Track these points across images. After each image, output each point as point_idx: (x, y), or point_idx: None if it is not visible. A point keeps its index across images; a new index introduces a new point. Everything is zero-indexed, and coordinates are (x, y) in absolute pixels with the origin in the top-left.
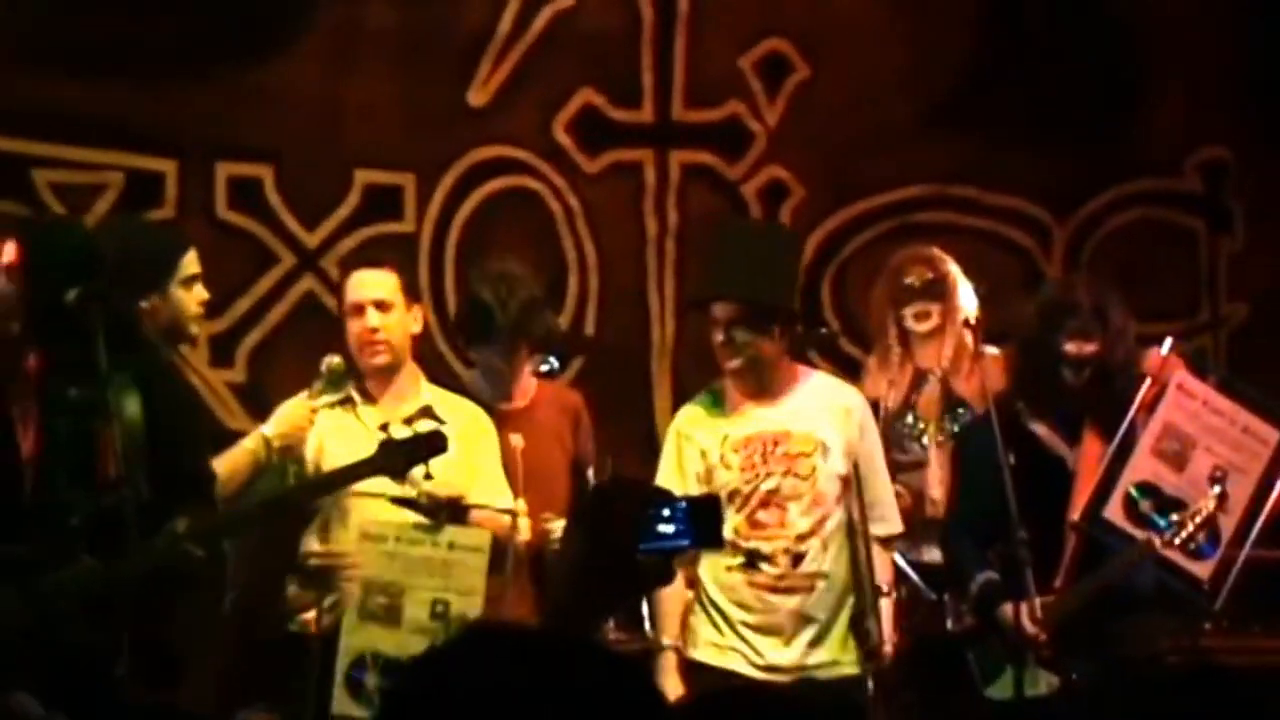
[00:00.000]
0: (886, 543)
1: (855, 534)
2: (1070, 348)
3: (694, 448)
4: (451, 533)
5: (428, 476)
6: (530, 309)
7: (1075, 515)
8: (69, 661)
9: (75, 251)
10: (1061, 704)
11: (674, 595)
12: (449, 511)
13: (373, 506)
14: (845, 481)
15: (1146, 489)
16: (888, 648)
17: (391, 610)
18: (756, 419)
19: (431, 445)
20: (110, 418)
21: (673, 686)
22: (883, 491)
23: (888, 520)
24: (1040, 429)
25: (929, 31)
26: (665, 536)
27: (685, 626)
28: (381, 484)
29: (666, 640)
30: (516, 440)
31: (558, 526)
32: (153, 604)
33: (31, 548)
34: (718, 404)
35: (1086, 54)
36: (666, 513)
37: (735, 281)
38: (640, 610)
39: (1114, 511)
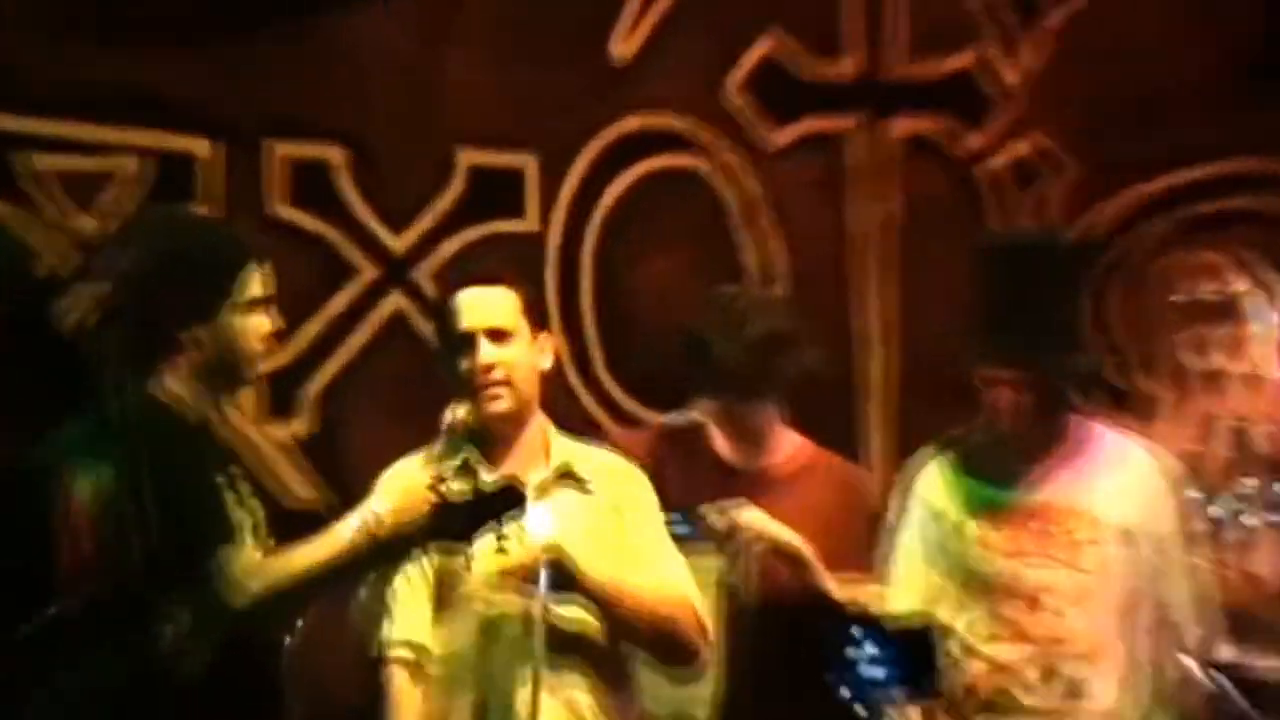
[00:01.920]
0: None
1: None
2: None
3: (941, 520)
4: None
5: (500, 537)
6: (764, 349)
7: None
8: None
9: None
10: None
11: None
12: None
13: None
14: (1147, 581)
15: None
16: None
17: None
18: (1028, 486)
19: (504, 502)
20: (67, 495)
21: None
22: (1181, 591)
23: (1187, 628)
24: None
25: None
26: (873, 682)
27: None
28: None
29: None
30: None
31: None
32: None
33: None
34: (974, 460)
35: None
36: (874, 650)
37: (1010, 343)
38: None
39: None
